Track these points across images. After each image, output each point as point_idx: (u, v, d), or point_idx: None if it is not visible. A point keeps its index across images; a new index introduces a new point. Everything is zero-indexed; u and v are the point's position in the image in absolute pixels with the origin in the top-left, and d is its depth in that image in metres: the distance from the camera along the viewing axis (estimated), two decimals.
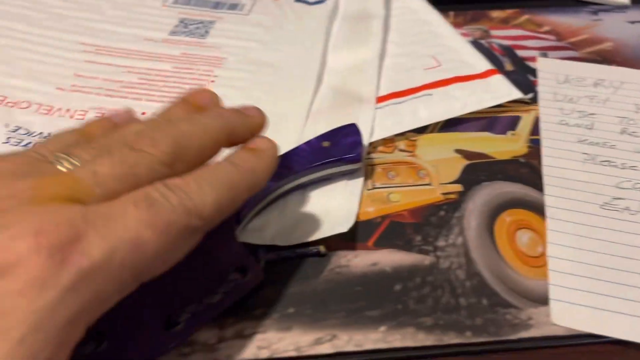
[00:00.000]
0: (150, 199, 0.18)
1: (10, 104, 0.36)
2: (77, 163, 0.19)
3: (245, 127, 0.24)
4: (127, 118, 0.25)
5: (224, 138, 0.23)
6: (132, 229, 0.17)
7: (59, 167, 0.19)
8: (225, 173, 0.21)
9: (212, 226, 0.22)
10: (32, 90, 0.37)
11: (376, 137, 0.35)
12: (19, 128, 0.34)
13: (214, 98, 0.25)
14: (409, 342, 0.25)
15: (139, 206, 0.18)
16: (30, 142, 0.33)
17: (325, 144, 0.31)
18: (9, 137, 0.33)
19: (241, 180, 0.22)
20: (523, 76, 0.41)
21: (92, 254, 0.16)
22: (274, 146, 0.24)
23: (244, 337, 0.25)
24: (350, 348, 0.25)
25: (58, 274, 0.16)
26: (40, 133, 0.34)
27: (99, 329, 0.24)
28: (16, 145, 0.33)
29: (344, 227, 0.29)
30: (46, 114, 0.35)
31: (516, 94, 0.38)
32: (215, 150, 0.23)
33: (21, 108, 0.35)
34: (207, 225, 0.21)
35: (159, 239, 0.18)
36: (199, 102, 0.25)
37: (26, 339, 0.15)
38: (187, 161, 0.21)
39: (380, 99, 0.38)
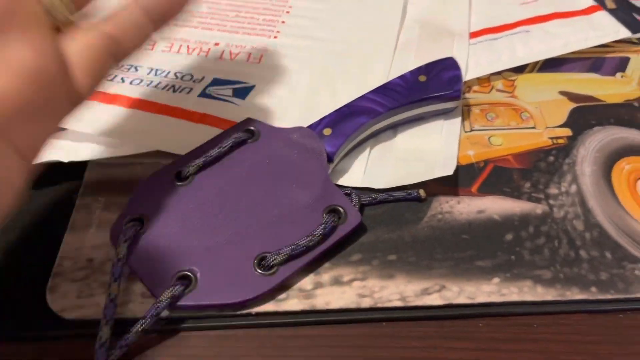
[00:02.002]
0: None
1: None
2: None
3: None
4: None
5: None
6: None
7: None
8: None
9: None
10: None
11: (471, 75, 0.32)
12: None
13: None
14: (528, 297, 0.23)
15: None
16: None
17: (422, 78, 0.28)
18: None
19: None
20: (628, 14, 0.37)
21: None
22: None
23: (342, 283, 0.23)
24: (461, 300, 0.23)
25: None
26: None
27: (189, 268, 0.23)
28: None
29: (447, 170, 0.26)
30: None
31: (624, 32, 0.34)
32: None
33: None
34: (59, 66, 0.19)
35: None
36: None
37: None
38: None
39: (474, 35, 0.34)
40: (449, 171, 0.26)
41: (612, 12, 0.36)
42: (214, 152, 0.25)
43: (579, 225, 0.25)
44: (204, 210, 0.24)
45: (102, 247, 0.24)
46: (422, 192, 0.26)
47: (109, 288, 0.22)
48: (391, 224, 0.25)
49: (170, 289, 0.21)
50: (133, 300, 0.23)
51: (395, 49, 0.32)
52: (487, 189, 0.27)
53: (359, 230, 0.25)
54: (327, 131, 0.26)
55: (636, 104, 0.31)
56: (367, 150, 0.28)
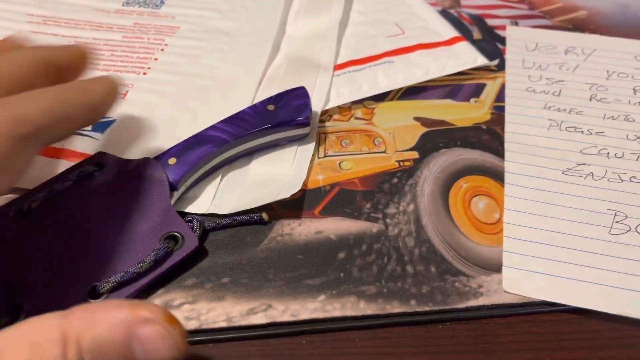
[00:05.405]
0: None
1: None
2: None
3: (65, 52, 0.24)
4: None
5: (41, 63, 0.23)
6: None
7: None
8: (50, 89, 0.22)
9: (51, 135, 0.22)
10: None
11: (332, 104, 0.33)
12: None
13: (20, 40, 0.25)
14: (349, 312, 0.24)
15: None
16: None
17: (270, 107, 0.30)
18: None
19: (70, 95, 0.22)
20: (491, 44, 0.39)
21: None
22: (110, 78, 0.25)
23: (172, 308, 0.24)
24: (285, 318, 0.23)
25: None
26: None
27: (15, 301, 0.23)
28: None
29: (287, 193, 0.27)
30: None
31: (481, 60, 0.37)
32: (34, 76, 0.23)
33: None
34: (38, 131, 0.21)
35: None
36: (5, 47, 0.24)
37: None
38: (3, 86, 0.21)
39: (339, 67, 0.36)
40: (288, 194, 0.27)
41: (476, 42, 0.39)
42: (57, 186, 0.26)
43: (410, 242, 0.26)
44: (39, 246, 0.25)
45: None
46: (264, 215, 0.27)
47: None
48: (231, 247, 0.26)
49: None
50: None
51: (260, 83, 0.34)
52: (329, 211, 0.28)
53: (199, 255, 0.26)
54: (172, 160, 0.27)
55: (484, 127, 0.33)
56: (219, 177, 0.29)
